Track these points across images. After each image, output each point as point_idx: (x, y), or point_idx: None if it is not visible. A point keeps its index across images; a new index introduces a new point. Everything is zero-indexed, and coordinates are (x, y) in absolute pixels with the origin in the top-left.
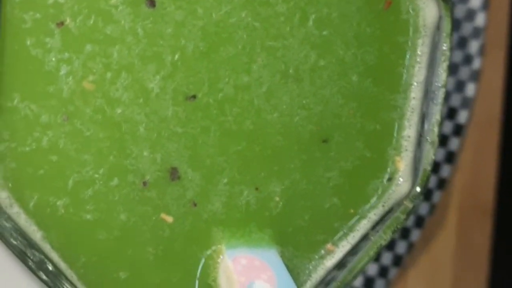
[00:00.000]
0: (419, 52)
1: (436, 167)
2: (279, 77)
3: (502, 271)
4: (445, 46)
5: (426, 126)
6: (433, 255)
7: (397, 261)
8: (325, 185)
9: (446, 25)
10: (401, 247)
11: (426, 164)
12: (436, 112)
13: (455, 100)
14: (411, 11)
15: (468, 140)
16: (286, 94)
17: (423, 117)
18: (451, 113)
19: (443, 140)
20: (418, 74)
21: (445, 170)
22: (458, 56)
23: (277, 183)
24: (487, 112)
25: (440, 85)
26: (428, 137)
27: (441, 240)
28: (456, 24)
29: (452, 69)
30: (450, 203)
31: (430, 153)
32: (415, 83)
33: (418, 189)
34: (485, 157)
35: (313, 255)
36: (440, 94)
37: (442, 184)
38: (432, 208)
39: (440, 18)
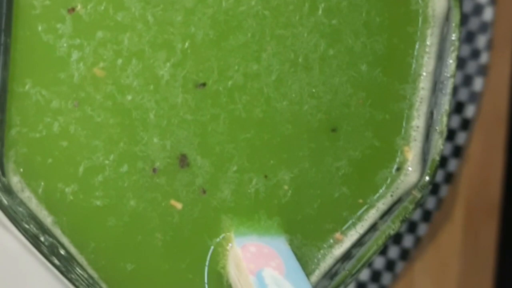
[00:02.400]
0: (428, 43)
1: (443, 161)
2: (289, 66)
3: (509, 266)
4: (454, 37)
5: (434, 116)
6: (440, 249)
7: (404, 255)
8: (334, 174)
9: (455, 16)
10: (408, 241)
11: (435, 154)
12: (445, 102)
13: (463, 95)
14: (420, 1)
15: (475, 135)
16: (296, 83)
17: (432, 107)
18: (458, 107)
19: (450, 134)
20: (427, 64)
21: (453, 164)
22: (465, 50)
23: (286, 171)
24: (494, 106)
25: (449, 75)
26: (436, 127)
27: (448, 235)
28: (463, 19)
29: (460, 63)
30: (457, 198)
31: (439, 143)
32: (424, 73)
33: (427, 178)
34: (492, 151)
35: (321, 243)
36: (449, 84)
37: (449, 178)
38: (439, 202)
39: (449, 8)
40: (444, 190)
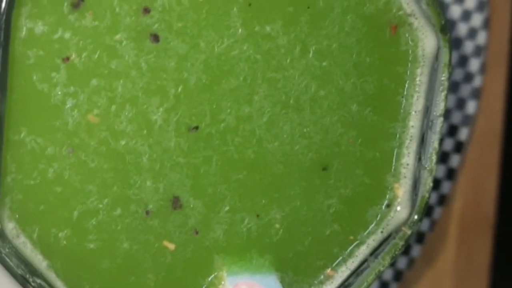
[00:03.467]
0: (417, 82)
1: (436, 183)
2: (280, 107)
3: (502, 285)
4: (443, 76)
5: (424, 154)
6: (433, 270)
7: (398, 276)
8: (325, 211)
9: (445, 56)
10: (402, 263)
11: (424, 191)
12: (434, 140)
13: (456, 118)
14: (410, 42)
15: (468, 156)
16: (287, 124)
17: (422, 145)
18: (451, 131)
19: (443, 157)
20: (417, 103)
21: (446, 187)
22: (459, 74)
23: (277, 210)
24: (488, 128)
25: (438, 114)
26: (426, 165)
27: (441, 256)
28: (457, 43)
29: (453, 87)
30: (450, 219)
31: (428, 181)
32: (413, 112)
33: (416, 216)
34: (485, 173)
35: (312, 280)
36: (438, 123)
37: (442, 200)
38: (433, 224)
39: (438, 48)
40: (437, 212)
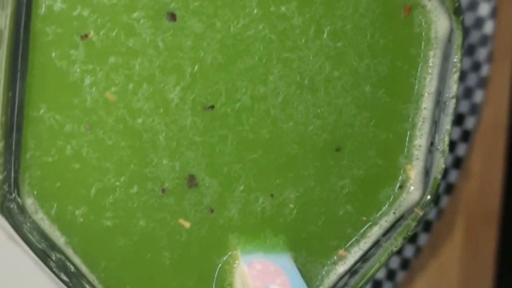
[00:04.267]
0: (430, 64)
1: (444, 172)
2: (295, 88)
3: (508, 276)
4: (456, 58)
5: (436, 136)
6: (440, 259)
7: (405, 264)
8: (338, 192)
9: (457, 38)
10: (408, 251)
11: (437, 172)
12: (447, 122)
13: (463, 107)
14: (423, 24)
15: (475, 146)
16: (301, 104)
17: (434, 127)
18: (459, 119)
19: (451, 145)
20: (429, 85)
21: (453, 175)
22: (466, 63)
23: (291, 190)
24: (494, 118)
25: (451, 96)
26: (438, 147)
27: (448, 245)
28: (464, 32)
29: (461, 76)
30: (457, 208)
31: (441, 162)
32: (426, 94)
33: (428, 197)
34: (492, 163)
35: (325, 260)
36: (451, 105)
37: (449, 189)
38: (440, 213)
39: (451, 30)
40: (444, 201)
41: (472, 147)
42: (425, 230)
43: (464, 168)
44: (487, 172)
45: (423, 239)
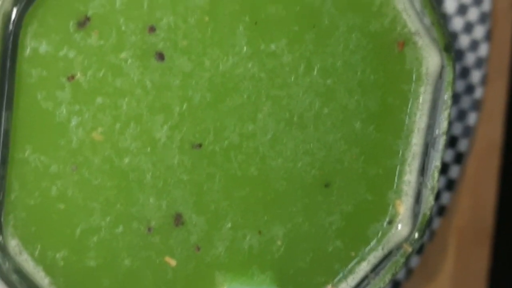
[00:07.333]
0: (421, 100)
1: (436, 194)
2: (284, 125)
3: None
4: (446, 95)
5: (426, 172)
6: (432, 281)
7: (396, 287)
8: (327, 228)
9: (448, 74)
10: (400, 274)
11: (426, 209)
12: (436, 158)
13: (456, 129)
14: (414, 60)
15: (468, 168)
16: (291, 141)
17: (424, 163)
18: (452, 142)
19: (444, 167)
20: (420, 121)
21: (445, 198)
22: (460, 85)
23: (279, 226)
24: (488, 139)
25: (441, 132)
26: (428, 183)
27: (440, 266)
28: (459, 55)
29: (454, 98)
30: (449, 229)
31: (430, 198)
32: (416, 130)
33: (417, 233)
34: (484, 184)
35: None
36: (441, 141)
37: (442, 211)
38: (432, 234)
39: (442, 67)
40: (436, 223)
41: (465, 169)
42: (417, 252)
43: (456, 190)
44: (480, 193)
45: (414, 261)
